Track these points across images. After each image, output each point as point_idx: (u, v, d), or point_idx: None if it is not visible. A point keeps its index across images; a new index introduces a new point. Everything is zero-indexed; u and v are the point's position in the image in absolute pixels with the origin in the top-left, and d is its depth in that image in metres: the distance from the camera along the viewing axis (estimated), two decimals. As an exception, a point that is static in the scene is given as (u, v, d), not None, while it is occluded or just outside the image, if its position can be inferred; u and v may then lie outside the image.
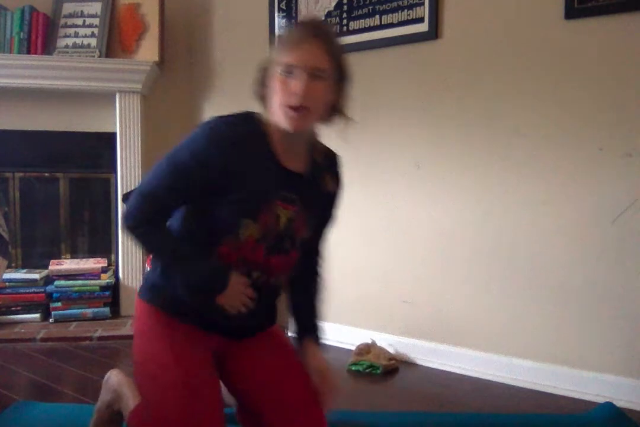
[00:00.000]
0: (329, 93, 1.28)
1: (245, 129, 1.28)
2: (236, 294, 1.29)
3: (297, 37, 1.24)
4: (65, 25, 2.99)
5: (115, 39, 2.99)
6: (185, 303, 1.33)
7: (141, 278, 3.00)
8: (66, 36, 2.97)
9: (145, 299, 1.40)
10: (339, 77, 1.30)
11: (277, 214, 1.30)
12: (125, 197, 2.92)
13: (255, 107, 1.33)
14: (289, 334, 1.40)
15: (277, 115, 1.24)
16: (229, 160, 1.24)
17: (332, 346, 2.58)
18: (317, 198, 1.39)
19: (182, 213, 1.34)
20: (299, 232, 1.36)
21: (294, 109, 1.22)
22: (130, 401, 1.40)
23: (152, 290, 1.40)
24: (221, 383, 1.46)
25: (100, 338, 2.63)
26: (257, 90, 1.32)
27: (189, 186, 1.26)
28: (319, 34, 1.24)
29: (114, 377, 1.55)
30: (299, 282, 1.49)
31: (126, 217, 1.30)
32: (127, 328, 2.71)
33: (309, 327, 1.47)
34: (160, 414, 1.25)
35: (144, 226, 1.29)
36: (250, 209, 1.28)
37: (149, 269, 1.48)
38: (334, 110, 1.34)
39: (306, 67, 1.21)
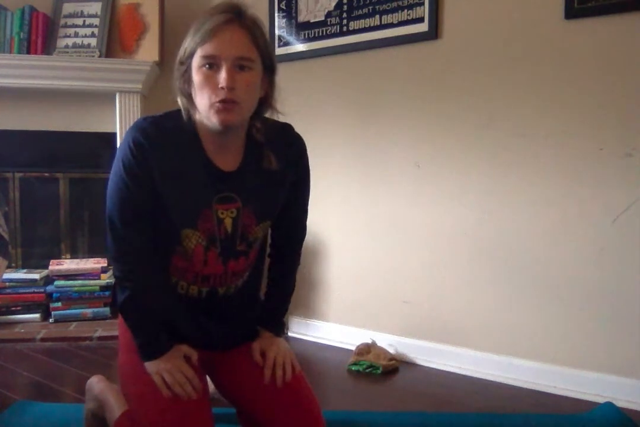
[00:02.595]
0: (258, 84, 1.17)
1: (170, 129, 1.19)
2: (170, 371, 1.22)
3: (215, 24, 1.10)
4: (65, 25, 2.99)
5: (115, 39, 2.99)
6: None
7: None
8: (66, 36, 2.97)
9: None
10: (267, 67, 1.20)
11: (218, 218, 1.23)
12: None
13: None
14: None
15: (205, 112, 1.14)
16: (155, 165, 1.16)
17: (332, 346, 2.58)
18: (262, 188, 1.28)
19: None
20: (250, 230, 1.29)
21: (222, 103, 1.11)
22: (115, 410, 1.38)
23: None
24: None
25: (100, 338, 2.63)
26: (180, 87, 1.19)
27: (139, 197, 1.19)
28: (241, 19, 1.12)
29: (95, 385, 1.53)
30: (276, 265, 1.44)
31: (109, 250, 1.24)
32: (127, 328, 2.72)
33: (270, 315, 1.43)
34: None
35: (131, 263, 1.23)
36: (186, 218, 1.21)
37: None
38: (264, 103, 1.24)
39: (230, 57, 1.10)
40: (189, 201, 1.21)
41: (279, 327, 1.44)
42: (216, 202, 1.23)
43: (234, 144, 1.24)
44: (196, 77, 1.14)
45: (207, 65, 1.11)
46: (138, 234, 1.22)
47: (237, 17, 1.12)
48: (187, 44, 1.15)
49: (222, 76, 1.10)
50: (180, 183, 1.20)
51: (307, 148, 1.37)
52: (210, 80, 1.12)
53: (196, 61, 1.13)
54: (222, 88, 1.10)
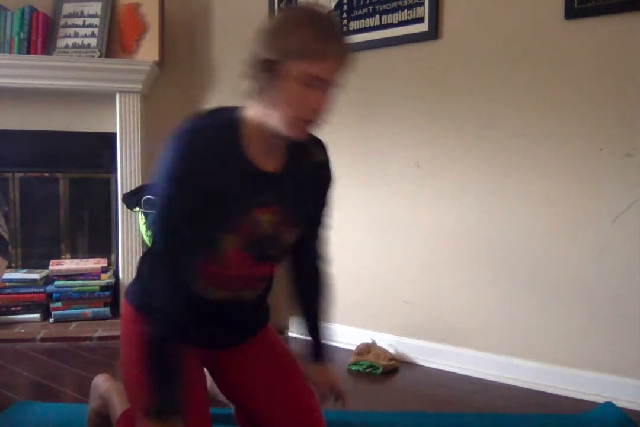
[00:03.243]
0: None
1: (215, 134, 1.16)
2: None
3: (332, 48, 1.09)
4: (65, 25, 2.99)
5: (115, 39, 2.99)
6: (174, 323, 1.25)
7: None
8: (66, 36, 2.97)
9: (135, 308, 1.31)
10: None
11: (257, 221, 1.21)
12: (125, 198, 2.93)
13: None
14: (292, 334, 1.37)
15: (282, 120, 1.12)
16: (204, 169, 1.13)
17: (332, 346, 2.58)
18: (298, 190, 1.27)
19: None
20: (284, 235, 1.27)
21: (306, 122, 1.12)
22: (117, 408, 1.38)
23: (142, 298, 1.30)
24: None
25: (100, 338, 2.63)
26: (256, 85, 1.13)
27: (193, 207, 1.15)
28: (347, 47, 1.12)
29: (101, 384, 1.53)
30: (302, 285, 1.41)
31: (160, 263, 1.18)
32: (127, 328, 2.72)
33: (314, 343, 1.41)
34: None
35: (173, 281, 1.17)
36: (229, 223, 1.19)
37: (137, 274, 1.41)
38: None
39: (331, 83, 1.11)
40: (233, 205, 1.19)
41: (328, 354, 1.43)
42: (256, 206, 1.21)
43: (280, 145, 1.22)
44: (290, 87, 1.09)
45: (306, 83, 1.09)
46: (190, 259, 1.18)
47: (343, 41, 1.13)
48: (291, 46, 1.08)
49: (319, 99, 1.10)
50: (225, 186, 1.17)
51: None
52: (305, 97, 1.10)
53: (298, 73, 1.08)
54: (314, 109, 1.11)
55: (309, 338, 1.42)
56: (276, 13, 1.19)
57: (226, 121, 1.17)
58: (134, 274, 3.29)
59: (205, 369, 1.40)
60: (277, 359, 1.40)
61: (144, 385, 1.15)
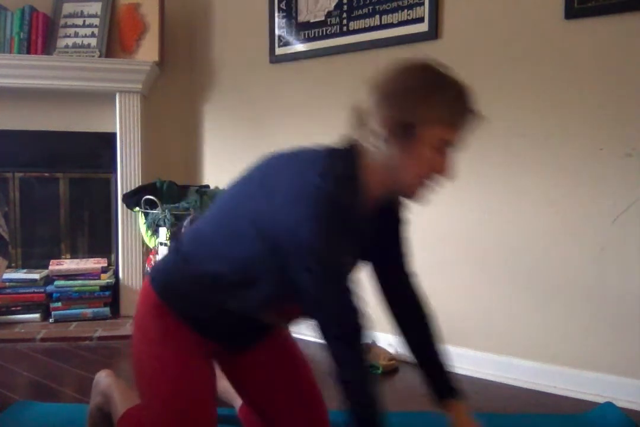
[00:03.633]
0: None
1: (348, 199, 1.10)
2: None
3: (466, 116, 1.13)
4: (65, 25, 2.99)
5: (115, 39, 2.99)
6: (212, 321, 1.25)
7: (141, 278, 3.00)
8: (66, 36, 2.97)
9: (159, 294, 1.26)
10: None
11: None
12: (125, 198, 2.93)
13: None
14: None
15: (405, 181, 1.13)
16: (342, 234, 1.09)
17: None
18: (376, 237, 1.28)
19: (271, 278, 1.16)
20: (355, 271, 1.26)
21: (428, 187, 1.14)
22: (119, 406, 1.38)
23: (170, 289, 1.26)
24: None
25: (100, 338, 2.63)
26: (380, 144, 1.10)
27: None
28: (479, 113, 1.17)
29: (103, 380, 1.53)
30: (409, 324, 1.38)
31: (337, 324, 1.12)
32: (127, 328, 2.71)
33: (441, 381, 1.34)
34: None
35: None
36: (348, 270, 1.17)
37: (164, 255, 1.35)
38: None
39: (456, 146, 1.14)
40: (352, 256, 1.18)
41: (460, 390, 1.35)
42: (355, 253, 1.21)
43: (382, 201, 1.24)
44: (422, 151, 1.10)
45: (439, 149, 1.10)
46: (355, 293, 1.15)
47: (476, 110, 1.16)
48: (434, 113, 1.08)
49: (449, 165, 1.13)
50: (351, 243, 1.15)
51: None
52: (434, 162, 1.11)
53: (433, 138, 1.09)
54: (441, 175, 1.13)
55: (431, 370, 1.35)
56: (401, 68, 1.15)
57: (352, 182, 1.12)
58: (134, 274, 3.28)
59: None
60: (287, 355, 1.41)
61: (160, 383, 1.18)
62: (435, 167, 1.12)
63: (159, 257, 2.67)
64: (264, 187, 1.13)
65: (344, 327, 1.12)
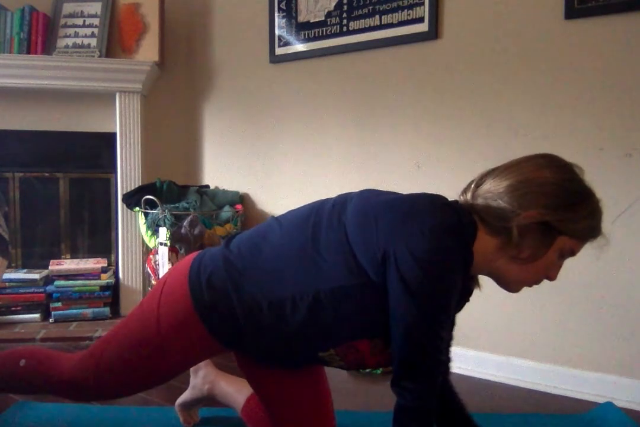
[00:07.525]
0: None
1: (465, 256, 1.10)
2: None
3: (597, 235, 1.14)
4: (65, 25, 2.99)
5: (115, 39, 2.99)
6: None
7: (141, 278, 3.01)
8: (66, 36, 2.97)
9: (197, 308, 1.17)
10: None
11: None
12: (125, 198, 2.93)
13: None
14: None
15: (514, 278, 1.14)
16: (458, 286, 1.10)
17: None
18: None
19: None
20: None
21: (532, 285, 1.16)
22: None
23: (214, 311, 1.17)
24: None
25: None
26: (513, 236, 1.08)
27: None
28: None
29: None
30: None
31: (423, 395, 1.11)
32: (127, 328, 2.72)
33: None
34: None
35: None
36: None
37: (210, 253, 1.26)
38: None
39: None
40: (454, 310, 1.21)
41: None
42: None
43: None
44: (549, 255, 1.11)
45: (562, 256, 1.13)
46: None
47: None
48: (578, 227, 1.10)
49: (557, 273, 1.15)
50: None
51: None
52: (553, 267, 1.14)
53: (564, 247, 1.11)
54: (549, 280, 1.16)
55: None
56: (559, 168, 1.25)
57: (468, 248, 1.11)
58: (134, 274, 3.27)
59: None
60: (313, 372, 1.37)
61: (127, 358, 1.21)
62: (550, 272, 1.14)
63: (159, 257, 2.67)
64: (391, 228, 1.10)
65: (426, 367, 1.10)
